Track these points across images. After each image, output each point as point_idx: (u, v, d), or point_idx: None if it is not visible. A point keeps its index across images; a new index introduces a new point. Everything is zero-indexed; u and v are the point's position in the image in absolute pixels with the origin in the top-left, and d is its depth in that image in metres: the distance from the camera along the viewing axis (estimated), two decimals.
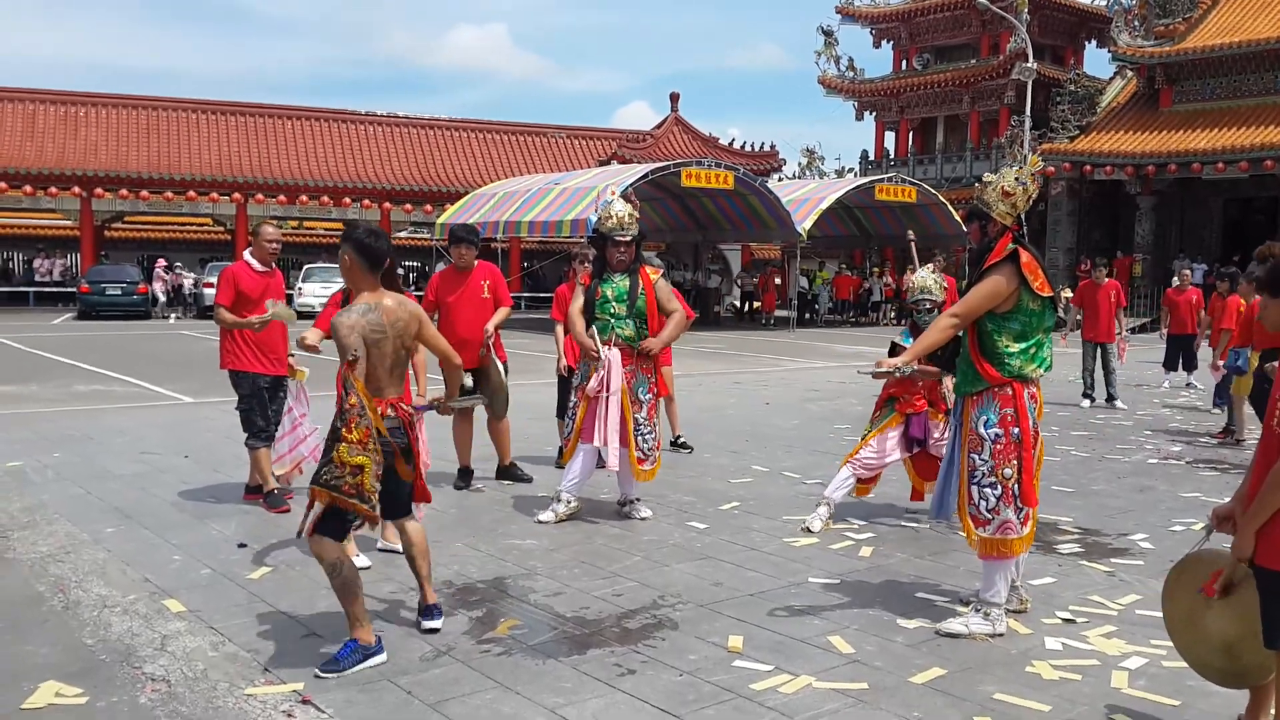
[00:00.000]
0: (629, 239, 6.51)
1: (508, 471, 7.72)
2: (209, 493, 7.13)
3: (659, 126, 42.23)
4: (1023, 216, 4.74)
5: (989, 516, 4.59)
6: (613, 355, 6.46)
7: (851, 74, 41.88)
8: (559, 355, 8.15)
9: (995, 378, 4.58)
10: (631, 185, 24.75)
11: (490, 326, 7.15)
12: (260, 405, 6.76)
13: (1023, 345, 4.59)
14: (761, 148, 42.63)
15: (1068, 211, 33.34)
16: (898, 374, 4.82)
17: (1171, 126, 31.80)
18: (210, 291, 24.89)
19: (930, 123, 40.90)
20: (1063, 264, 31.93)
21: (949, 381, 5.81)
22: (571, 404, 6.82)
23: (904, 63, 41.47)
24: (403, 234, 38.42)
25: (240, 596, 5.01)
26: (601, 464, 7.00)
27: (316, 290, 28.47)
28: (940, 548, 6.09)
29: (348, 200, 35.62)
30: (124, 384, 13.55)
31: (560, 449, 7.00)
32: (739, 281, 35.42)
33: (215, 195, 34.51)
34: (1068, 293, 16.99)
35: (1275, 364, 8.60)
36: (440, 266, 8.80)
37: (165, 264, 33.41)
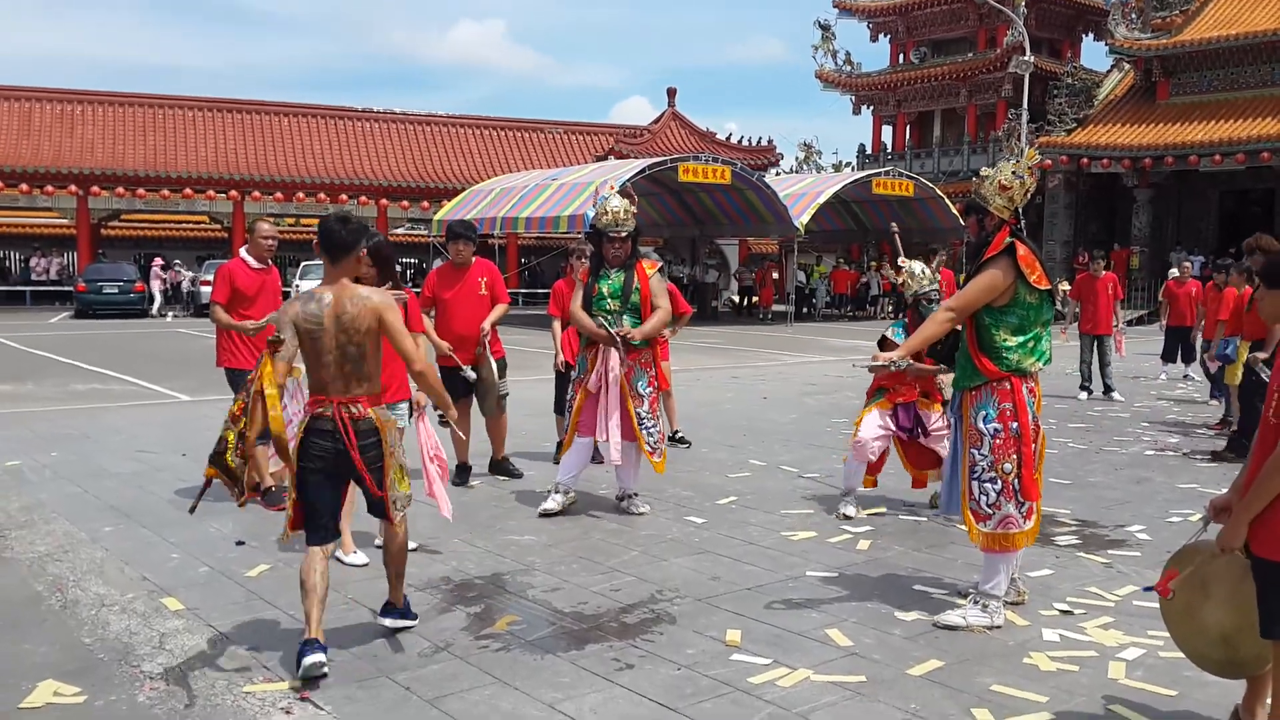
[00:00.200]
0: (624, 235, 6.51)
1: (500, 466, 7.73)
2: (207, 491, 7.10)
3: (656, 121, 42.19)
4: (1020, 210, 4.74)
5: (990, 511, 4.60)
6: (612, 351, 6.48)
7: (849, 68, 41.83)
8: (556, 351, 8.15)
9: (993, 372, 4.58)
10: (629, 180, 24.70)
11: (486, 325, 7.15)
12: None
13: (1021, 339, 4.59)
14: (759, 142, 42.61)
15: (1065, 204, 33.33)
16: (894, 368, 4.82)
17: (1168, 119, 31.78)
18: (207, 290, 24.85)
19: (927, 116, 40.86)
20: (1060, 257, 31.91)
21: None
22: (569, 397, 6.84)
23: (901, 56, 41.43)
24: (400, 230, 38.39)
25: (238, 594, 5.01)
26: (598, 459, 7.01)
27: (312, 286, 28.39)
28: (938, 540, 6.09)
29: (344, 197, 35.57)
30: (121, 382, 13.55)
31: (559, 444, 7.02)
32: (737, 276, 35.41)
33: (212, 193, 34.46)
34: (1065, 286, 16.97)
35: (1259, 355, 8.65)
36: (438, 263, 8.79)
37: (162, 262, 33.36)
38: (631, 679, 4.01)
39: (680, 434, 9.22)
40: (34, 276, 35.04)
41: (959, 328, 4.77)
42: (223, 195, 34.55)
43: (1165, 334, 15.15)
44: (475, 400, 7.44)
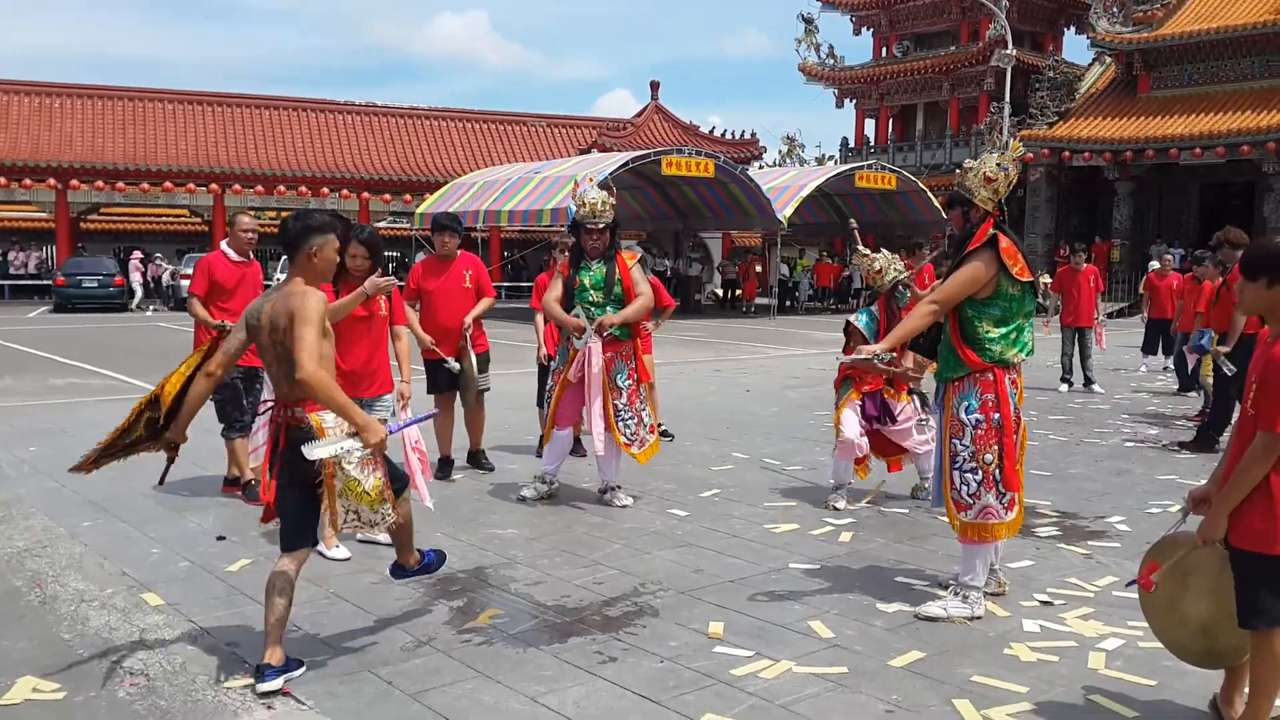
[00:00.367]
0: (602, 226, 6.54)
1: (474, 458, 7.73)
2: (187, 485, 7.08)
3: (639, 115, 42.17)
4: (1003, 202, 4.75)
5: (970, 501, 4.62)
6: (592, 343, 6.48)
7: (832, 61, 41.91)
8: (539, 344, 8.14)
9: (976, 363, 4.59)
10: (612, 174, 24.67)
11: (468, 319, 7.13)
12: (235, 396, 6.71)
13: (1003, 330, 4.61)
14: (742, 135, 42.62)
15: (1046, 198, 33.49)
16: (877, 360, 4.83)
17: (1149, 112, 31.97)
18: (188, 284, 24.73)
19: (910, 110, 40.97)
20: (1041, 250, 32.08)
21: (909, 360, 5.85)
22: (548, 388, 6.85)
23: (884, 50, 41.52)
24: (382, 224, 38.23)
25: (219, 589, 4.99)
26: (581, 452, 7.01)
27: None
28: (919, 532, 6.11)
29: (326, 190, 35.41)
30: (100, 377, 13.46)
31: (541, 438, 7.03)
32: (720, 269, 35.42)
33: (192, 186, 34.22)
34: (1046, 279, 17.05)
35: (1220, 348, 8.75)
36: (420, 256, 8.77)
37: (142, 256, 33.15)
38: (614, 672, 4.01)
39: (663, 427, 9.21)
40: (12, 271, 34.75)
41: (940, 320, 4.78)
42: (203, 189, 34.31)
43: (1146, 326, 15.24)
44: (458, 393, 7.43)
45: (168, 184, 33.76)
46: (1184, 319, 11.51)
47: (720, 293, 34.86)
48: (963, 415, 4.62)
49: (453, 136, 40.74)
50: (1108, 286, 23.72)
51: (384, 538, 5.49)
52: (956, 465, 4.65)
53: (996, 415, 4.58)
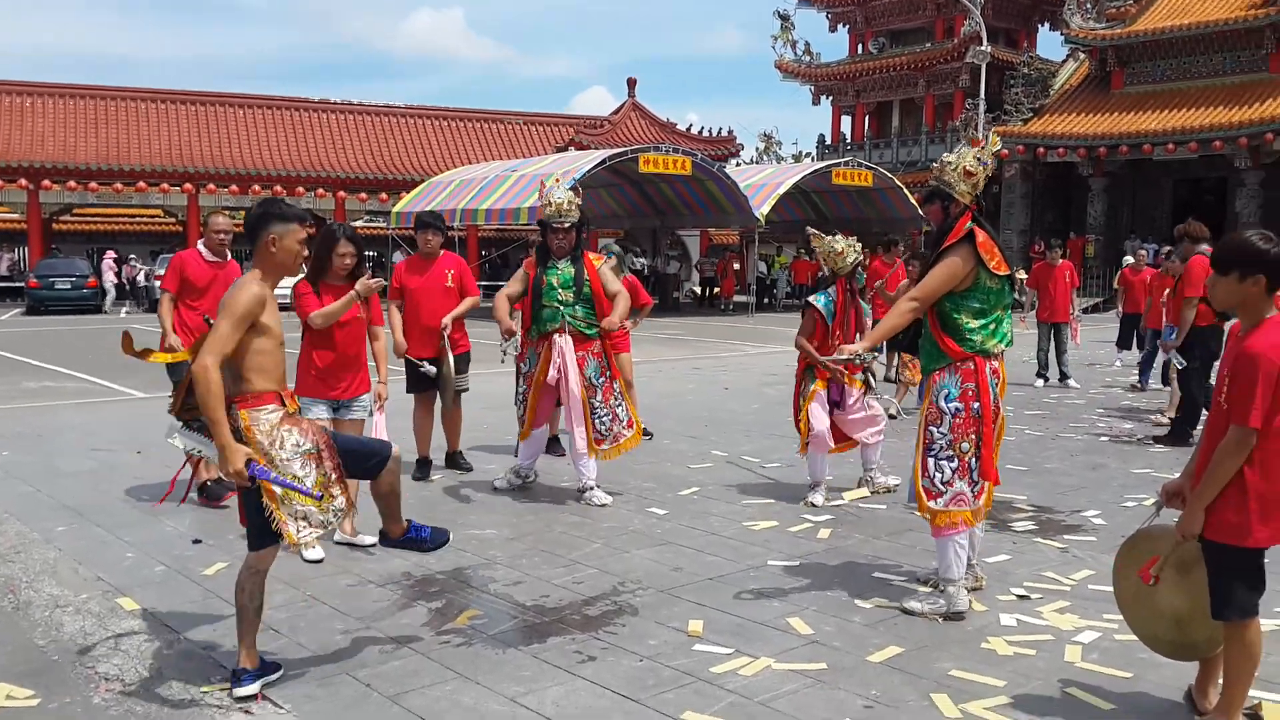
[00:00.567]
0: (568, 225, 6.60)
1: (452, 459, 7.71)
2: (162, 489, 7.01)
3: (616, 112, 42.13)
4: (979, 196, 4.77)
5: (942, 489, 4.60)
6: (565, 343, 6.52)
7: (808, 58, 41.98)
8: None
9: (958, 352, 4.61)
10: (589, 171, 24.69)
11: (448, 320, 7.10)
12: None
13: (982, 322, 4.63)
14: (719, 133, 42.66)
15: (1021, 193, 33.66)
16: (858, 361, 4.86)
17: (1123, 108, 32.18)
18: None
19: (886, 106, 41.10)
20: (1016, 246, 32.23)
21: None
22: (520, 390, 6.87)
23: (860, 47, 41.62)
24: (358, 223, 38.05)
25: (195, 593, 4.95)
26: (559, 451, 7.01)
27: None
28: (896, 528, 6.14)
29: (301, 189, 35.22)
30: (74, 380, 13.34)
31: (519, 435, 7.03)
32: (698, 267, 35.47)
33: (166, 186, 33.98)
34: (1022, 274, 17.14)
35: (1169, 342, 8.87)
36: (397, 255, 8.74)
37: (115, 257, 32.87)
38: (594, 671, 4.00)
39: (642, 425, 9.21)
40: None
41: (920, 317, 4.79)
42: (177, 188, 34.08)
43: (1121, 321, 15.34)
44: (438, 394, 7.41)
45: (141, 184, 33.53)
46: (1152, 314, 11.60)
47: (698, 290, 34.91)
48: (942, 403, 4.62)
49: (429, 135, 40.61)
50: (1082, 282, 23.86)
51: (367, 539, 5.49)
52: (933, 453, 4.64)
53: (976, 404, 4.58)
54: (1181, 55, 31.86)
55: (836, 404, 6.75)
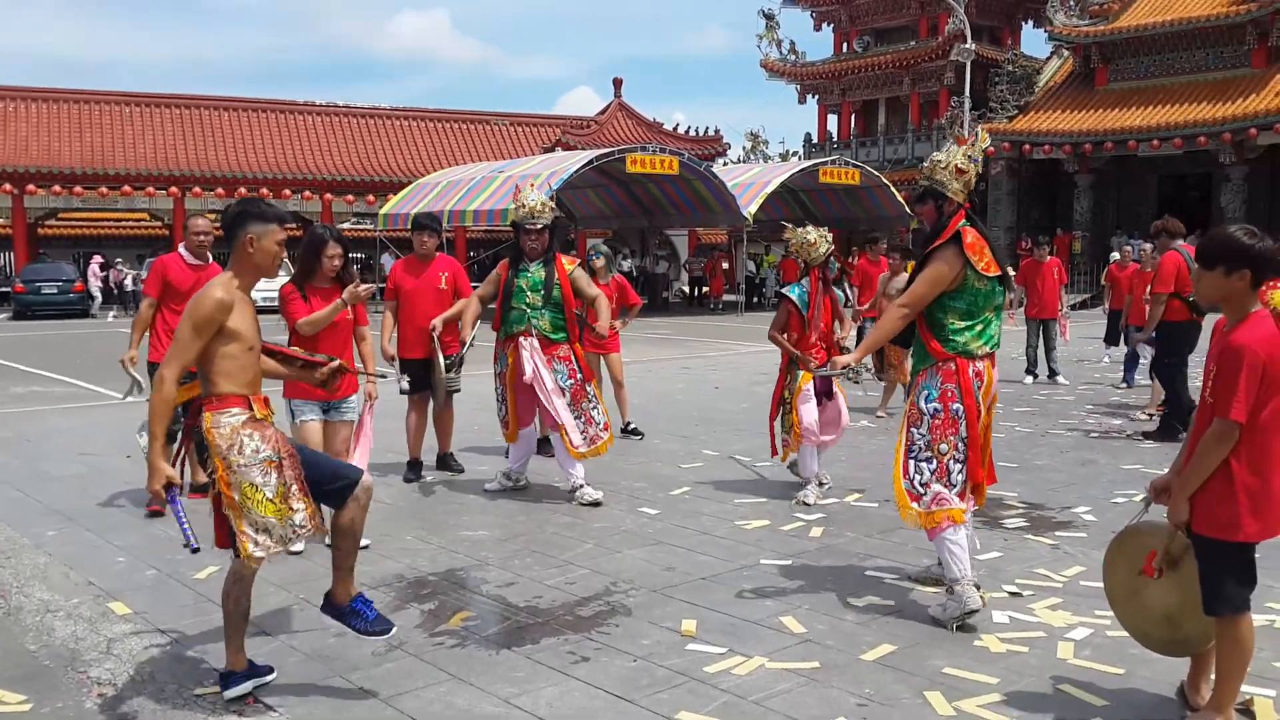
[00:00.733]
0: (540, 226, 6.64)
1: (443, 461, 7.71)
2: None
3: (603, 112, 42.12)
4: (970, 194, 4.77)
5: (921, 491, 4.57)
6: (533, 345, 6.57)
7: (793, 57, 42.00)
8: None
9: (940, 352, 4.58)
10: (576, 172, 24.68)
11: (437, 321, 7.08)
12: None
13: (969, 323, 4.59)
14: (706, 132, 42.68)
15: (1007, 191, 33.75)
16: (850, 374, 4.87)
17: (1107, 105, 32.28)
18: None
19: (872, 105, 41.17)
20: (1003, 243, 32.30)
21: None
22: (498, 390, 6.89)
23: (845, 45, 41.67)
24: (345, 225, 37.97)
25: (187, 597, 4.94)
26: (549, 451, 7.01)
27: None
28: (888, 526, 6.15)
29: (288, 192, 35.09)
30: (62, 384, 13.28)
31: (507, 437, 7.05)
32: (687, 267, 35.46)
33: (151, 190, 33.83)
34: (1009, 271, 17.17)
35: (1139, 335, 8.93)
36: (385, 257, 8.74)
37: (101, 261, 32.71)
38: (587, 671, 4.01)
39: (633, 425, 9.23)
40: None
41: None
42: (162, 192, 33.92)
43: (1108, 317, 15.39)
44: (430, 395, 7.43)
45: (126, 188, 33.37)
46: (1134, 310, 11.64)
47: (687, 290, 34.90)
48: (922, 404, 4.60)
49: (416, 136, 40.52)
50: (1069, 278, 23.95)
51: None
52: (913, 455, 4.61)
53: (955, 406, 4.52)
54: (1164, 51, 31.99)
55: (826, 394, 6.79)
